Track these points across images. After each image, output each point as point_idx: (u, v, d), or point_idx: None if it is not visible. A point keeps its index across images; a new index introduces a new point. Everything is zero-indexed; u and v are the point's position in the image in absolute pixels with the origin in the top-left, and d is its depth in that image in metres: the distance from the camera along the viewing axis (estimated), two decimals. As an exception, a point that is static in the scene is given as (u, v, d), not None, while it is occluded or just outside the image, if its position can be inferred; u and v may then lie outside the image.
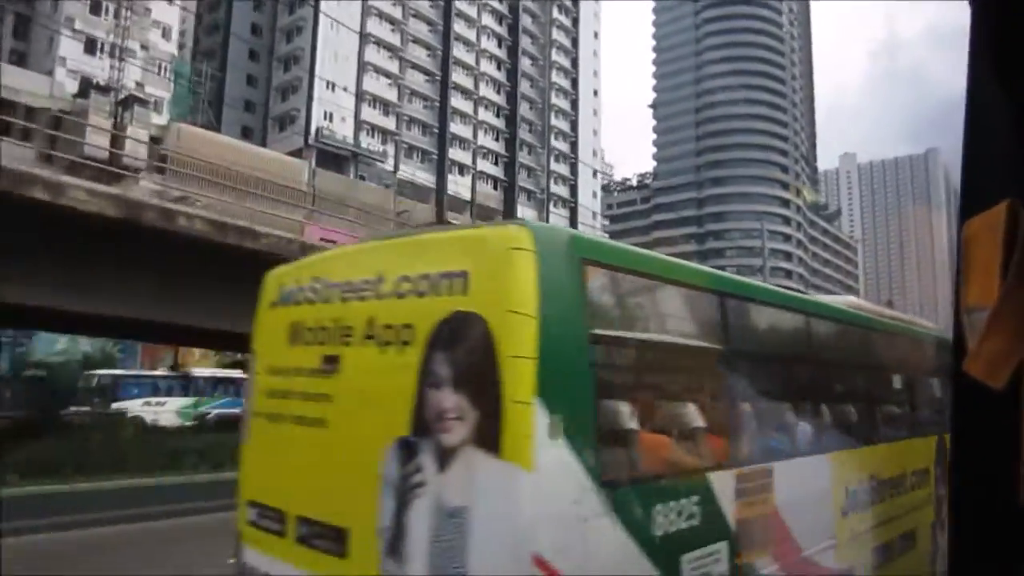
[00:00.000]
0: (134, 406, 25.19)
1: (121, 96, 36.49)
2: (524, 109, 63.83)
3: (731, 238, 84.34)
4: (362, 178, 50.37)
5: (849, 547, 4.36)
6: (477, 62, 60.34)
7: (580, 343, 2.68)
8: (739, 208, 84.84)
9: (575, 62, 68.64)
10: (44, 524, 9.18)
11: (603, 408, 2.78)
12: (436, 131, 56.09)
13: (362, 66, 50.25)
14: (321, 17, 47.36)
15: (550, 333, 2.49)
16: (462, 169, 57.59)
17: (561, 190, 65.70)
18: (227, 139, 45.74)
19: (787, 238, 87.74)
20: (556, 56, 67.21)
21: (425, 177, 54.82)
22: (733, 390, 3.71)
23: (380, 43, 52.29)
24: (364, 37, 50.63)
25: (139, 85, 38.05)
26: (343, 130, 48.92)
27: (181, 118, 43.04)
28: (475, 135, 59.21)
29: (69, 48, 35.50)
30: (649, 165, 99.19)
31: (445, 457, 2.55)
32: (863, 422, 5.17)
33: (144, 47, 38.85)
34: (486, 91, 61.07)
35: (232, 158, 35.13)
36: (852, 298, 7.27)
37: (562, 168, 66.16)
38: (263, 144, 48.86)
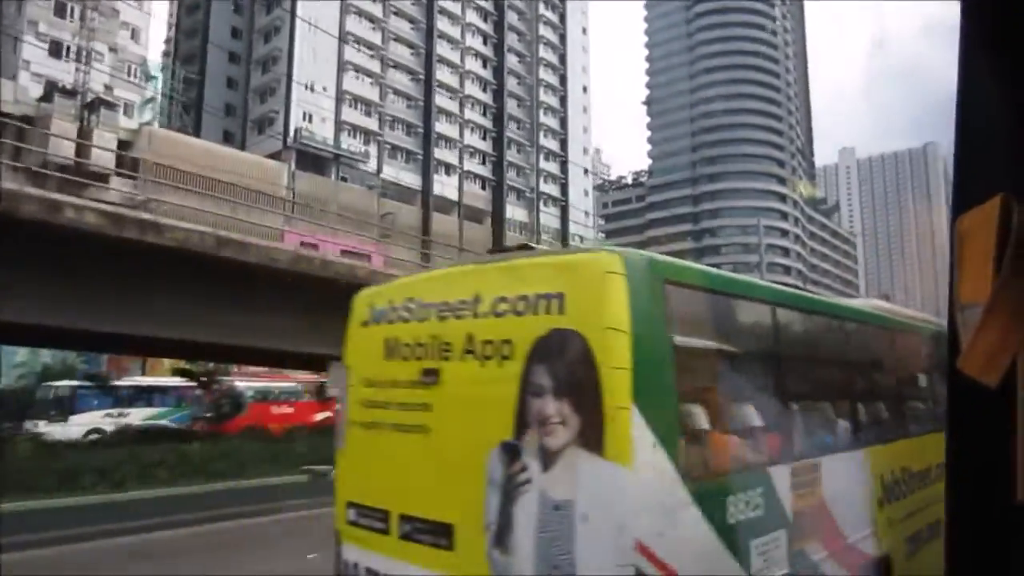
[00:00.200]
0: (94, 419, 24.15)
1: (88, 100, 35.56)
2: (512, 107, 62.66)
3: (727, 234, 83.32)
4: (344, 180, 49.26)
5: (885, 535, 4.61)
6: (462, 60, 59.20)
7: (665, 354, 2.98)
8: (735, 204, 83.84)
9: (563, 58, 67.47)
10: None
11: (684, 411, 3.06)
12: (421, 131, 54.95)
13: (342, 66, 49.15)
14: (298, 16, 46.33)
15: (641, 346, 2.78)
16: (448, 169, 56.44)
17: (551, 188, 64.49)
18: (201, 142, 44.63)
19: (784, 233, 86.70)
20: (544, 52, 66.04)
21: (410, 178, 53.71)
22: (786, 391, 4.05)
23: (360, 42, 51.21)
24: (344, 36, 49.57)
25: (107, 88, 37.03)
26: (323, 131, 47.83)
27: (154, 122, 42.16)
28: (461, 134, 58.05)
29: (33, 51, 34.43)
30: (645, 163, 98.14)
31: (549, 457, 2.83)
32: (894, 418, 5.48)
33: (112, 49, 37.80)
34: (472, 89, 59.92)
35: (207, 162, 34.19)
36: (876, 300, 7.61)
37: (552, 166, 64.96)
38: (242, 148, 47.85)
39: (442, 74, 57.19)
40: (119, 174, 25.81)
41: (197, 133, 47.58)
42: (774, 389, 3.95)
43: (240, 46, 52.54)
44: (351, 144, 49.69)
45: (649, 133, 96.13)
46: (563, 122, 66.35)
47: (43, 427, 21.71)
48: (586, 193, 68.32)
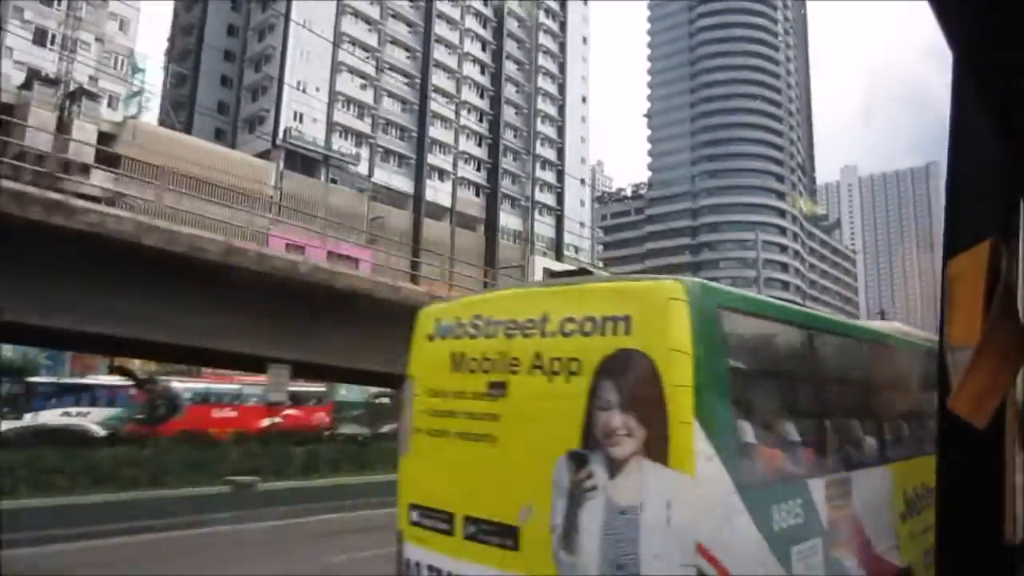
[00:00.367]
0: (52, 416, 23.15)
1: (70, 89, 34.81)
2: (509, 114, 61.92)
3: (726, 249, 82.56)
4: (334, 182, 48.47)
5: (907, 548, 4.72)
6: (460, 65, 58.54)
7: (720, 374, 3.30)
8: (734, 218, 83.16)
9: (563, 67, 66.81)
10: None
11: (736, 426, 3.34)
12: (415, 135, 54.20)
13: (335, 66, 48.46)
14: (293, 15, 45.73)
15: (701, 367, 3.08)
16: (442, 174, 55.65)
17: (547, 197, 63.63)
18: (189, 138, 43.82)
19: (783, 249, 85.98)
20: (543, 61, 65.41)
21: (402, 182, 52.91)
22: (821, 409, 4.32)
23: (356, 43, 50.58)
24: (339, 37, 48.95)
25: (92, 79, 36.29)
26: (315, 132, 47.08)
27: (140, 115, 41.35)
28: (456, 140, 57.28)
29: (17, 40, 33.74)
30: (646, 176, 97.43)
31: (615, 466, 3.11)
32: (914, 436, 5.55)
33: (99, 40, 37.11)
34: (469, 95, 59.21)
35: (192, 158, 33.36)
36: (896, 324, 7.79)
37: (548, 175, 64.14)
38: (233, 146, 47.09)
39: (438, 79, 56.54)
40: (85, 167, 24.69)
41: (189, 130, 46.83)
42: (811, 407, 4.30)
43: (236, 44, 51.99)
44: (342, 146, 48.93)
45: (649, 146, 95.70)
46: (560, 131, 65.62)
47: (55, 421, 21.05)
48: (582, 203, 67.45)
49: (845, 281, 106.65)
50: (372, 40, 51.97)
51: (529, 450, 3.40)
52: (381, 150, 52.00)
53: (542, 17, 65.95)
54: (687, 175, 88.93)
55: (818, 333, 4.44)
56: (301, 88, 46.11)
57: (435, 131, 55.44)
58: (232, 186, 30.28)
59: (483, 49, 61.26)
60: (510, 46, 63.07)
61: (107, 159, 26.60)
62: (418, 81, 54.87)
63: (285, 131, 45.27)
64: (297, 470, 14.87)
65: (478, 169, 59.06)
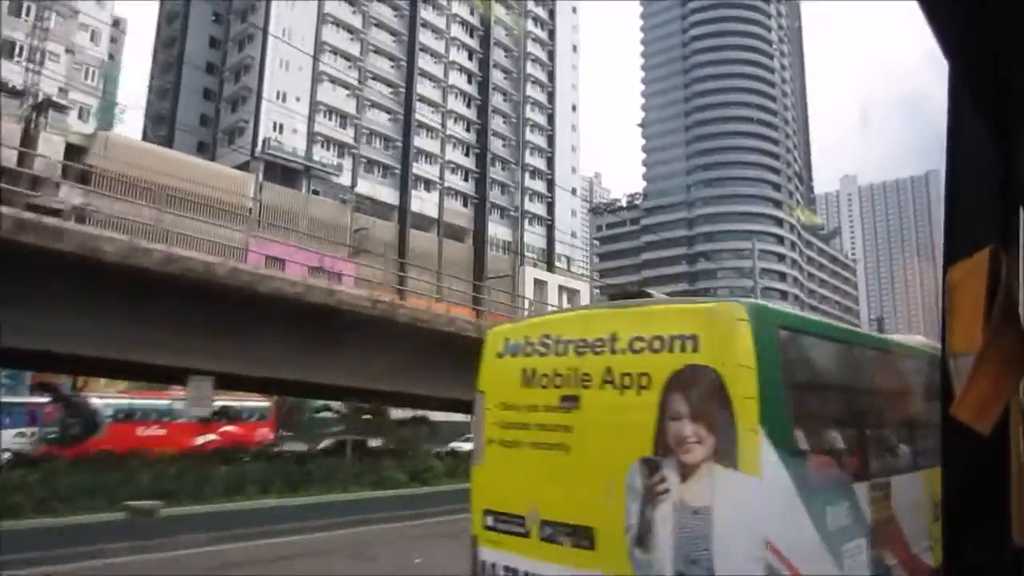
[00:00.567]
0: (5, 437, 21.95)
1: (37, 101, 34.00)
2: (497, 123, 61.07)
3: (722, 258, 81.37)
4: (316, 193, 47.55)
5: (938, 550, 4.65)
6: (446, 74, 57.79)
7: (781, 386, 3.58)
8: (731, 228, 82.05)
9: (552, 75, 66.04)
10: None
11: (795, 434, 3.63)
12: (399, 144, 53.32)
13: (316, 76, 47.71)
14: (272, 24, 45.06)
15: (764, 380, 3.38)
16: (428, 184, 54.70)
17: (537, 207, 62.58)
18: (164, 150, 42.92)
19: (781, 258, 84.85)
20: (532, 69, 64.63)
21: (387, 192, 51.97)
22: (864, 418, 4.80)
23: (337, 52, 49.87)
24: (320, 46, 48.25)
25: (61, 91, 35.52)
26: (295, 142, 46.23)
27: (113, 127, 40.51)
28: (443, 149, 56.39)
29: (-17, 51, 32.99)
30: (640, 186, 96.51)
31: (687, 471, 3.41)
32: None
33: (69, 51, 36.38)
34: (455, 104, 58.39)
35: (167, 170, 32.35)
36: (920, 337, 8.09)
37: (538, 185, 63.17)
38: (213, 158, 46.25)
39: (424, 88, 55.77)
40: (33, 181, 23.63)
41: (170, 143, 46.10)
42: (855, 416, 4.64)
43: (218, 56, 51.35)
44: (324, 156, 48.05)
45: (644, 156, 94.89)
46: (551, 140, 64.71)
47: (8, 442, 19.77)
48: (574, 213, 66.43)
49: (844, 290, 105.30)
50: (355, 49, 51.28)
51: (602, 457, 3.71)
52: (364, 160, 51.12)
53: (531, 26, 65.30)
54: (682, 185, 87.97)
55: (860, 348, 4.99)
56: (280, 98, 45.33)
57: (421, 141, 54.58)
58: (208, 198, 29.44)
59: (470, 58, 60.54)
60: (497, 55, 62.36)
61: (76, 172, 25.73)
62: (402, 90, 54.11)
63: (264, 142, 44.41)
64: (218, 492, 13.65)
65: (466, 179, 58.12)
